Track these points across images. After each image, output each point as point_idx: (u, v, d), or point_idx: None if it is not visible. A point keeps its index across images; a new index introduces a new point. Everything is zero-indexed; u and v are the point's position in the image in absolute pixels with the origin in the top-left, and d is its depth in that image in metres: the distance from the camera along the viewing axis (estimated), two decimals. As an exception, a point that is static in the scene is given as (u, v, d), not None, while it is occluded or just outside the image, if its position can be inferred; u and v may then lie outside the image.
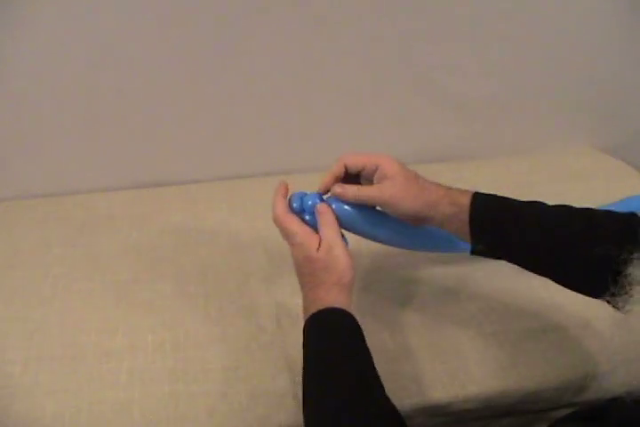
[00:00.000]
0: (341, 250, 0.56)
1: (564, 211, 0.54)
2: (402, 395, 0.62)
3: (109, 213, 0.89)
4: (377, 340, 0.67)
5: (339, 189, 0.57)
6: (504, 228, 0.53)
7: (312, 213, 0.58)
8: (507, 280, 0.76)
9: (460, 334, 0.69)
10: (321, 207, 0.57)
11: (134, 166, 0.94)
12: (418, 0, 0.81)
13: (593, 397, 0.66)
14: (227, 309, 0.72)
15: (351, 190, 0.56)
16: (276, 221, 0.58)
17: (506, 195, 0.56)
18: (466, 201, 0.54)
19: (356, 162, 0.57)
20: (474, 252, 0.57)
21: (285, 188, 0.60)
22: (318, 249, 0.56)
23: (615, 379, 0.66)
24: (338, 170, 0.58)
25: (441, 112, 0.96)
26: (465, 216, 0.54)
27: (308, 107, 0.91)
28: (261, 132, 0.93)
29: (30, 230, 0.85)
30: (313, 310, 0.54)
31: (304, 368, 0.52)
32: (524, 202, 0.55)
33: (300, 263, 0.57)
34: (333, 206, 0.58)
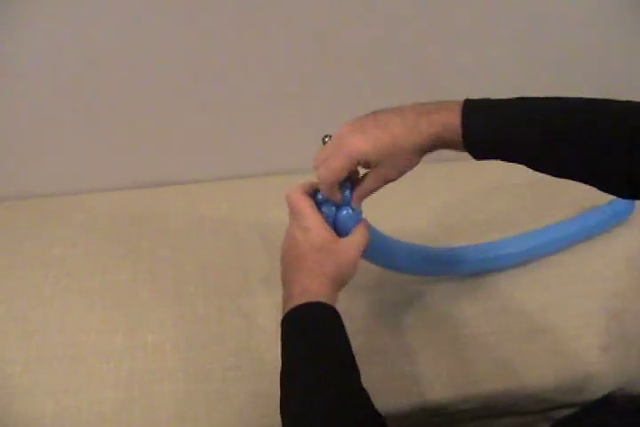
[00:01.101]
0: (358, 248, 0.56)
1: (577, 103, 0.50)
2: (402, 395, 0.62)
3: (109, 213, 0.89)
4: (377, 340, 0.67)
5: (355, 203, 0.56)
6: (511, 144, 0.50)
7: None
8: (506, 280, 0.76)
9: (460, 334, 0.69)
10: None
11: (134, 166, 0.94)
12: (418, 0, 0.81)
13: (593, 397, 0.66)
14: (227, 309, 0.72)
15: (358, 195, 0.56)
16: (290, 199, 0.56)
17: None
18: (454, 121, 0.49)
19: (340, 174, 0.54)
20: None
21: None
22: (332, 241, 0.55)
23: (614, 379, 0.66)
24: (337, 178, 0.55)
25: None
26: (457, 141, 0.50)
27: (308, 106, 0.91)
28: (262, 132, 0.93)
29: (30, 230, 0.85)
30: (302, 300, 0.52)
31: (283, 363, 0.50)
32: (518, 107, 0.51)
33: (298, 247, 0.55)
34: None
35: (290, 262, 0.56)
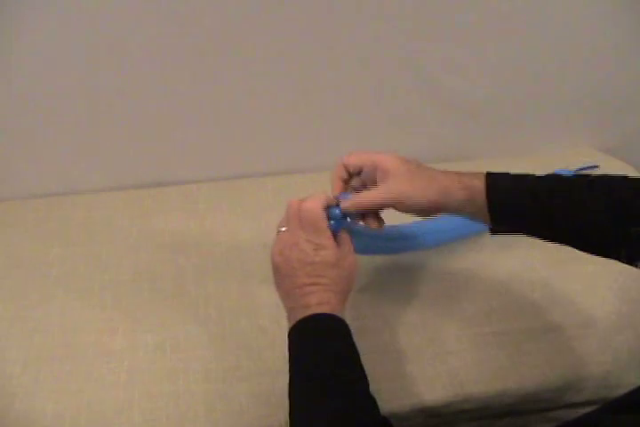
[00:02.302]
0: (355, 262, 0.57)
1: (583, 182, 0.53)
2: (402, 395, 0.62)
3: (109, 213, 0.89)
4: (377, 340, 0.67)
5: (344, 204, 0.56)
6: (527, 207, 0.52)
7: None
8: (507, 280, 0.76)
9: (460, 334, 0.69)
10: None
11: (134, 166, 0.94)
12: (419, 0, 0.81)
13: (593, 397, 0.66)
14: (227, 309, 0.72)
15: (353, 201, 0.56)
16: (309, 213, 0.55)
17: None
18: (479, 184, 0.53)
19: (353, 162, 0.57)
20: (493, 232, 0.56)
21: (338, 191, 0.58)
22: (340, 258, 0.56)
23: (614, 379, 0.66)
24: (340, 172, 0.57)
25: (441, 112, 0.96)
26: (481, 200, 0.52)
27: (308, 107, 0.91)
28: (261, 132, 0.93)
29: (30, 230, 0.85)
30: (320, 311, 0.53)
31: (296, 369, 0.51)
32: (539, 177, 0.54)
33: (311, 262, 0.55)
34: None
35: (299, 275, 0.56)
